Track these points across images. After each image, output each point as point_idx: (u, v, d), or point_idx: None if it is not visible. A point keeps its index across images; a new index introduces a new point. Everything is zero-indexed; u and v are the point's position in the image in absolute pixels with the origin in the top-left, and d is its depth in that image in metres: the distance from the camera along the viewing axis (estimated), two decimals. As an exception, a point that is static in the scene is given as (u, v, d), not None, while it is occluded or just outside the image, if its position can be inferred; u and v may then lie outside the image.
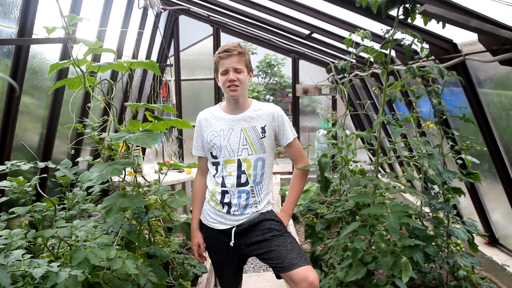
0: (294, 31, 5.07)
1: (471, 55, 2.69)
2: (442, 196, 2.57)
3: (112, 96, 2.22)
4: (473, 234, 2.48)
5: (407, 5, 2.19)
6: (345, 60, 2.78)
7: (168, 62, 6.82)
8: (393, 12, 2.28)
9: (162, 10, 6.02)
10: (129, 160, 2.25)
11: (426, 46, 2.98)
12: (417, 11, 2.16)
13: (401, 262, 2.02)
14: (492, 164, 3.06)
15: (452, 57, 2.87)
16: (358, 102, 6.09)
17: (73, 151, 3.19)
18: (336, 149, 2.51)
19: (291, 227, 4.74)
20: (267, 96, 17.30)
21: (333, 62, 5.54)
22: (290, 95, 8.50)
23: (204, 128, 2.21)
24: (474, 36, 2.56)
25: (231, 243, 2.13)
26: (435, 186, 2.61)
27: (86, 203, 2.52)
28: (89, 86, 2.13)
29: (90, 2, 3.61)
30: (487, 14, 2.29)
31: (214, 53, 2.18)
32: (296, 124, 7.07)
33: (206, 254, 2.33)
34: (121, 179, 2.37)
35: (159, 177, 2.62)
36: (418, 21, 2.25)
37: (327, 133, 2.98)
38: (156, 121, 2.30)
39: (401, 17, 2.22)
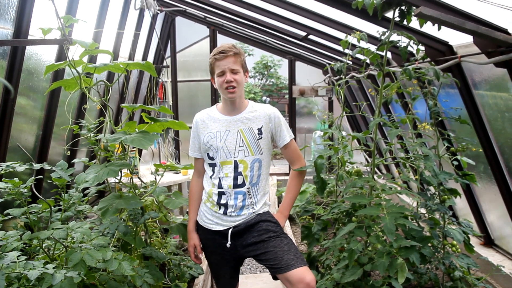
0: (291, 33, 5.08)
1: (467, 57, 2.70)
2: (438, 197, 2.58)
3: (108, 98, 2.22)
4: (469, 235, 2.49)
5: (403, 7, 2.20)
6: (341, 61, 2.79)
7: (164, 64, 6.82)
8: (389, 14, 2.29)
9: (158, 12, 6.02)
10: (125, 161, 2.25)
11: (422, 48, 2.99)
12: (412, 13, 2.18)
13: (397, 263, 2.03)
14: (487, 166, 3.07)
15: (447, 59, 2.88)
16: (354, 103, 6.10)
17: (69, 152, 3.18)
18: (333, 151, 2.51)
19: (287, 228, 4.74)
20: (264, 98, 17.31)
21: (329, 64, 5.55)
22: (287, 96, 8.52)
23: (200, 130, 2.21)
24: (469, 38, 2.57)
25: (228, 244, 2.13)
26: (431, 187, 2.62)
27: (82, 205, 2.51)
28: (85, 88, 2.13)
29: (87, 3, 3.60)
30: (482, 16, 2.31)
31: (219, 52, 2.16)
32: (292, 125, 7.08)
33: (202, 256, 2.32)
34: (117, 181, 2.37)
35: (155, 179, 2.62)
36: (414, 23, 2.26)
37: (324, 135, 2.98)
38: (152, 123, 2.30)
39: (397, 19, 2.23)
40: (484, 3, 2.18)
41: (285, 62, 7.25)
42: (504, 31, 2.23)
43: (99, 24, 3.99)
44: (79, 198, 2.50)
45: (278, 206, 3.23)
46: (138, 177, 2.75)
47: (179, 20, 6.88)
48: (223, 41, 6.75)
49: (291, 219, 5.25)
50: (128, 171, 2.36)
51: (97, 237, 2.03)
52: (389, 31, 2.25)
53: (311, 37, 4.83)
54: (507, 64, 2.37)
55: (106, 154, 2.33)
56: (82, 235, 2.04)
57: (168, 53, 6.97)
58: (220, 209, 2.14)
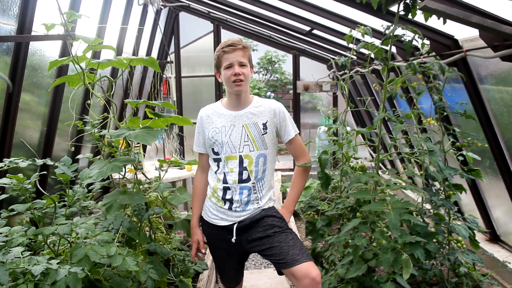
0: (295, 28, 5.06)
1: (472, 51, 2.67)
2: (443, 192, 2.56)
3: (112, 93, 2.22)
4: (474, 231, 2.48)
5: (407, 1, 2.18)
6: (345, 56, 2.77)
7: (168, 59, 6.82)
8: (394, 8, 2.26)
9: (162, 7, 6.01)
10: (129, 157, 2.25)
11: (427, 42, 2.97)
12: (417, 7, 2.15)
13: (402, 259, 2.02)
14: (493, 161, 3.05)
15: (453, 53, 2.86)
16: (359, 98, 6.08)
17: (73, 148, 3.18)
18: (337, 146, 2.50)
19: (292, 223, 4.74)
20: (268, 93, 17.27)
21: (333, 59, 5.53)
22: (291, 92, 8.49)
23: (205, 125, 2.20)
24: (475, 32, 2.55)
25: (233, 240, 2.13)
26: (436, 183, 2.61)
27: (86, 200, 2.52)
28: (89, 83, 2.13)
29: (90, -1, 3.60)
30: (488, 9, 2.28)
31: (214, 50, 2.16)
32: (297, 120, 7.06)
33: (207, 251, 2.32)
34: (121, 176, 2.37)
35: (159, 174, 2.62)
36: (419, 17, 2.24)
37: (328, 130, 2.97)
38: (156, 118, 2.30)
39: (402, 13, 2.21)
40: (491, -4, 2.16)
41: (289, 57, 7.23)
42: (511, 24, 2.20)
43: (103, 20, 3.99)
44: (83, 194, 2.50)
45: (283, 202, 3.23)
46: (143, 173, 2.76)
47: (183, 16, 6.87)
48: (227, 36, 6.72)
49: (295, 214, 5.25)
50: (132, 167, 2.37)
51: (102, 233, 2.03)
52: (393, 25, 2.23)
53: (315, 31, 4.81)
54: (514, 58, 2.34)
55: (110, 150, 2.33)
56: (86, 231, 2.05)
57: (172, 48, 6.96)
58: (225, 204, 2.14)
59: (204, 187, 2.28)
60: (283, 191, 6.07)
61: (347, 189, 2.76)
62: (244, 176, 2.11)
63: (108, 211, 2.03)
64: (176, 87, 7.03)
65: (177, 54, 6.99)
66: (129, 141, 2.37)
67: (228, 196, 2.13)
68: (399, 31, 2.25)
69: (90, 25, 3.90)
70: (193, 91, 7.21)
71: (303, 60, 6.96)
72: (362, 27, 2.39)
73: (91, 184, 2.57)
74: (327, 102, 7.08)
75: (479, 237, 3.45)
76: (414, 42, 2.26)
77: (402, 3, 2.19)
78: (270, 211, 2.15)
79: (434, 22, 2.32)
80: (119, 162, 2.02)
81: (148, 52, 6.04)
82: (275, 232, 2.09)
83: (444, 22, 2.21)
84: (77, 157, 2.56)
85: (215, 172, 2.19)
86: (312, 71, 6.81)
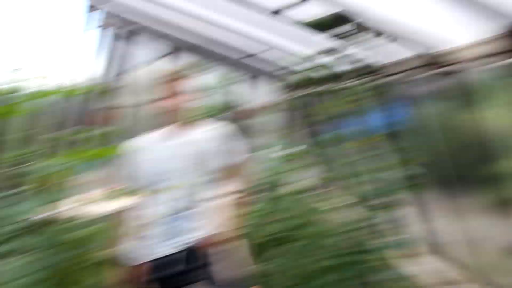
0: (245, 50, 5.03)
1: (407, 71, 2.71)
2: (384, 209, 2.57)
3: (42, 125, 2.07)
4: (415, 243, 2.50)
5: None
6: (297, 75, 2.79)
7: (115, 84, 6.61)
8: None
9: (113, 30, 5.85)
10: (53, 194, 2.09)
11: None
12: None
13: (344, 277, 2.02)
14: (437, 175, 3.09)
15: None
16: (308, 118, 6.13)
17: None
18: (281, 169, 2.49)
19: (234, 248, 4.64)
20: (217, 117, 17.36)
21: (283, 80, 5.58)
22: (239, 114, 8.47)
23: (142, 155, 2.14)
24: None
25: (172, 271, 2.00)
26: (378, 199, 2.61)
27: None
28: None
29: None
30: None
31: (164, 75, 2.13)
32: (244, 144, 6.97)
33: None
34: (54, 212, 2.21)
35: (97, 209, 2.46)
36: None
37: (274, 152, 2.96)
38: (91, 150, 2.18)
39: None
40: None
41: (242, 79, 7.18)
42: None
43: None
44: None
45: (222, 229, 3.15)
46: (83, 207, 2.58)
47: (136, 39, 6.67)
48: (183, 59, 6.58)
49: (239, 239, 5.14)
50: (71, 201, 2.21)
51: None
52: (342, 46, 2.26)
53: (269, 52, 4.79)
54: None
55: (38, 185, 2.16)
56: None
57: (120, 73, 6.76)
58: (161, 235, 2.05)
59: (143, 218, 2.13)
60: (223, 218, 5.94)
61: (288, 212, 2.73)
62: (182, 205, 2.04)
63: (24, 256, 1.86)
64: (121, 114, 6.78)
65: (124, 79, 6.78)
66: (62, 175, 2.21)
67: (164, 227, 2.04)
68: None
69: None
70: (136, 118, 6.97)
71: (255, 81, 6.92)
72: (302, 54, 2.39)
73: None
74: (276, 124, 7.05)
75: (419, 250, 3.45)
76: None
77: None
78: (209, 240, 2.06)
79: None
80: (43, 199, 1.86)
81: (94, 78, 5.83)
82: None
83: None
84: None
85: (152, 203, 2.09)
86: (265, 92, 6.79)
